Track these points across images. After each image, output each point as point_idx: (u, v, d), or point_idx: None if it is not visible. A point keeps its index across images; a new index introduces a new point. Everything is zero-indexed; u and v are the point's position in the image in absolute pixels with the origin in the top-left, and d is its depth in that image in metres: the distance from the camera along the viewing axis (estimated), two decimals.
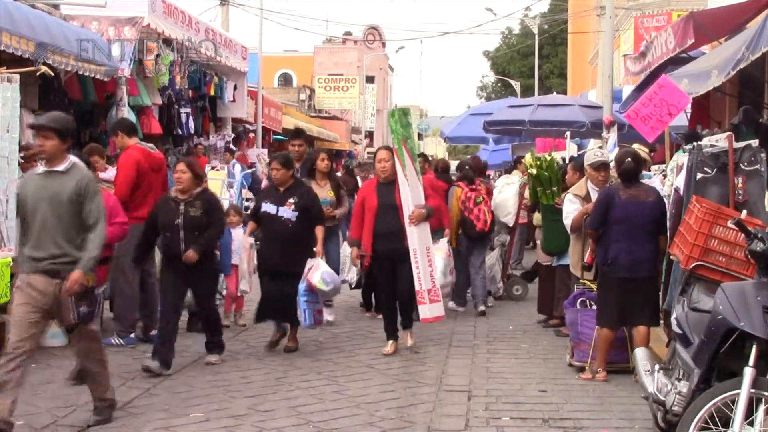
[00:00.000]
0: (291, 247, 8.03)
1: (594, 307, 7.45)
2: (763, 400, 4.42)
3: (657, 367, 5.37)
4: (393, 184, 8.22)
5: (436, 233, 9.54)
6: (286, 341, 8.29)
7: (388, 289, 8.36)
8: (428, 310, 8.24)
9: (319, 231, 8.21)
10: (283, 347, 8.24)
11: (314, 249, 8.13)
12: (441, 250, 9.26)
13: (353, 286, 10.47)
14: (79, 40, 10.63)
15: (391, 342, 8.26)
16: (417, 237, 8.11)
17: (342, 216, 9.60)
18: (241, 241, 8.94)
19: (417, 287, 8.12)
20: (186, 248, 7.30)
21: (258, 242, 8.64)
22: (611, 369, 7.21)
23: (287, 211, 8.07)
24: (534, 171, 9.83)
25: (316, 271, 8.01)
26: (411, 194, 8.14)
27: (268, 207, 8.17)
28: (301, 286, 7.98)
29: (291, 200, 8.11)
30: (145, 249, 7.79)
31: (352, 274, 10.13)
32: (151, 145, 8.89)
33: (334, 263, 9.24)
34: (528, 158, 10.39)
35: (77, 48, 10.58)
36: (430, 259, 8.18)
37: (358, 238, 8.28)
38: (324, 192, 9.23)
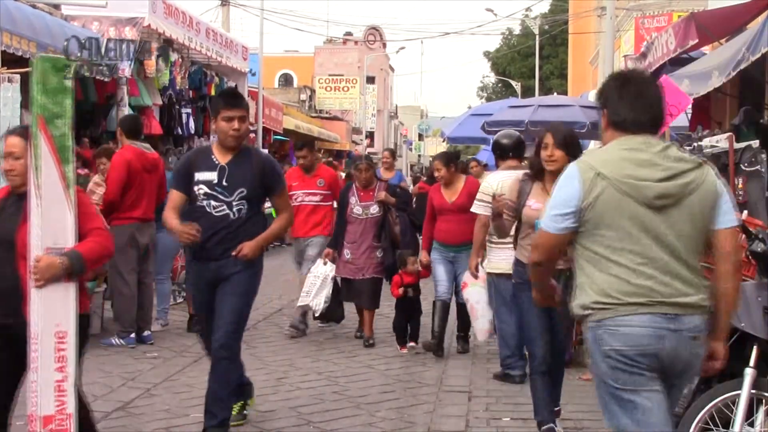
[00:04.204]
0: None
1: None
2: (764, 401, 4.42)
3: None
4: (23, 199, 4.18)
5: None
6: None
7: None
8: None
9: None
10: None
11: None
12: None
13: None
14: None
15: None
16: (42, 311, 4.03)
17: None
18: None
19: (30, 407, 4.13)
20: None
21: None
22: None
23: None
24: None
25: None
26: (43, 224, 4.04)
27: None
28: None
29: None
30: None
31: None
32: (146, 145, 8.75)
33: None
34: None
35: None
36: (63, 356, 4.05)
37: None
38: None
